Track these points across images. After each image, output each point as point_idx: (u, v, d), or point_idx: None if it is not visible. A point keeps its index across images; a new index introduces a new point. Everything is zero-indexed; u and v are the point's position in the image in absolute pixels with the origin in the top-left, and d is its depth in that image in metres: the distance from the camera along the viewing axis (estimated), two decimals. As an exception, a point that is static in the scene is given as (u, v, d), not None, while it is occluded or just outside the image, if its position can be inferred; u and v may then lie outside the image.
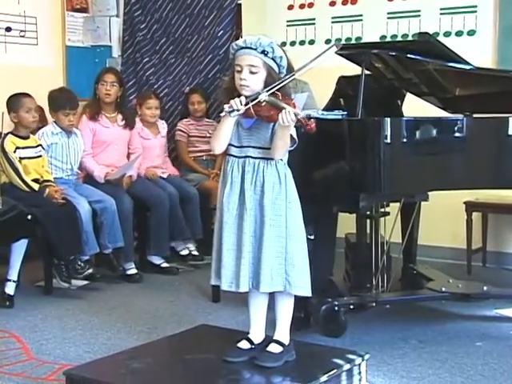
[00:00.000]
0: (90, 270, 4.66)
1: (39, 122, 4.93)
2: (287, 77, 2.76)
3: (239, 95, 2.75)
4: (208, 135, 5.53)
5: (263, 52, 2.75)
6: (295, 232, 2.82)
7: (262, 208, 2.79)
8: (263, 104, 2.70)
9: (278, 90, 2.74)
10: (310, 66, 2.77)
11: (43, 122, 5.10)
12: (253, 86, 2.76)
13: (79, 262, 4.64)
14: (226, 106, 2.72)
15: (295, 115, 2.63)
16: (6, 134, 4.62)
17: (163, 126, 5.62)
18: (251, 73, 2.76)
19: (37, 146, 4.71)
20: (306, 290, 2.86)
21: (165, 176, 5.43)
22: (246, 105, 2.70)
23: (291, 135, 2.75)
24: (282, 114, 2.65)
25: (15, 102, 4.62)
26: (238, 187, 2.82)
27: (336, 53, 4.00)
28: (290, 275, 2.81)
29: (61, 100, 4.86)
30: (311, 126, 2.65)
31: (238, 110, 2.70)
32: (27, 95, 4.67)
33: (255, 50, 2.74)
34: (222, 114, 2.75)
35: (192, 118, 5.79)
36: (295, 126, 2.71)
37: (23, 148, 4.61)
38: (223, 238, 2.83)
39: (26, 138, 4.66)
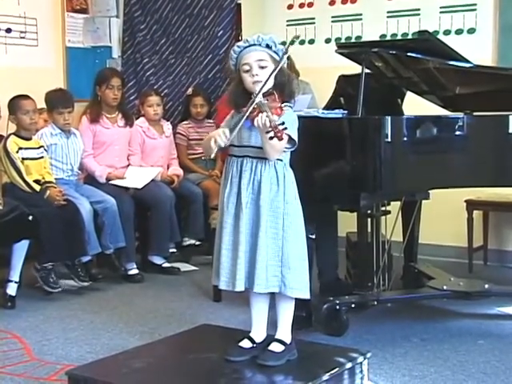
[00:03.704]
0: (87, 283, 4.67)
1: (44, 123, 4.93)
2: (267, 78, 2.73)
3: (247, 100, 2.72)
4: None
5: (267, 46, 2.79)
6: (293, 234, 2.81)
7: (258, 208, 2.78)
8: (255, 106, 2.68)
9: (279, 91, 2.74)
10: (268, 80, 2.73)
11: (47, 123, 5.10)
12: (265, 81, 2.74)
13: (79, 269, 4.64)
14: (213, 144, 2.70)
15: (269, 121, 2.59)
16: (9, 135, 4.64)
17: (168, 127, 5.59)
18: (261, 68, 2.77)
19: (39, 148, 4.71)
20: (302, 293, 2.84)
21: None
22: (230, 132, 2.68)
23: (291, 137, 2.73)
24: (257, 117, 2.64)
25: (14, 104, 4.64)
26: (237, 186, 2.82)
27: (336, 52, 4.03)
28: (286, 277, 2.79)
29: (54, 100, 4.86)
30: (280, 135, 2.58)
31: (223, 146, 2.70)
32: (26, 97, 4.66)
33: (259, 45, 2.78)
34: (213, 156, 2.74)
35: (192, 121, 5.77)
36: (267, 132, 2.61)
37: (26, 149, 4.61)
38: (222, 238, 2.84)
39: (28, 139, 4.67)
